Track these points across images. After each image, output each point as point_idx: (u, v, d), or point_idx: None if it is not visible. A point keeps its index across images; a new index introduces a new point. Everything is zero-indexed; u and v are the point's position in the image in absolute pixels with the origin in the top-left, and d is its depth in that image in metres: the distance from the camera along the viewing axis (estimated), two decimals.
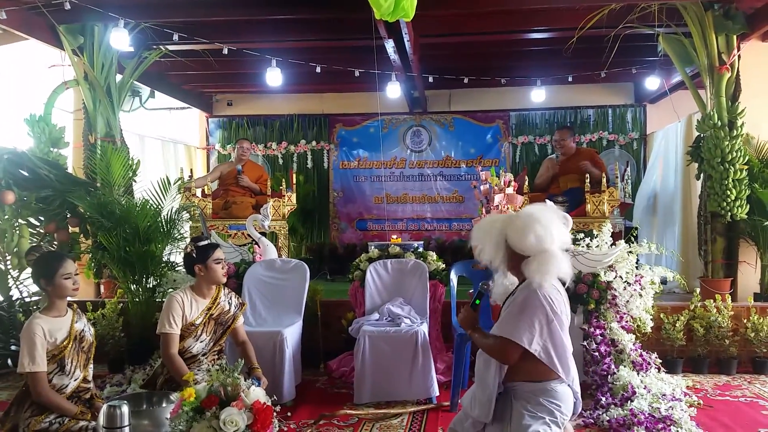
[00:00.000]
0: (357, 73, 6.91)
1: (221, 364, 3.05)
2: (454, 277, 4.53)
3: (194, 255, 3.45)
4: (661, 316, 4.84)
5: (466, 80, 7.53)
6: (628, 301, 4.27)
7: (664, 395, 3.77)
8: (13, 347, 4.89)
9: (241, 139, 7.27)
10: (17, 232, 4.96)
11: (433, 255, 4.97)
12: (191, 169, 7.64)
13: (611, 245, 4.41)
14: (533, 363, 2.38)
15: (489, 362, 2.45)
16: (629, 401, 3.71)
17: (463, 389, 4.18)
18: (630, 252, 4.38)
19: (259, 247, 5.08)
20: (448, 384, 4.32)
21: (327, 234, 8.94)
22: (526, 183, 6.09)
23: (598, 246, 4.41)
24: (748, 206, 5.36)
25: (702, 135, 5.59)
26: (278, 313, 4.53)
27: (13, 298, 5.10)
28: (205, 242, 3.52)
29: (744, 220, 5.38)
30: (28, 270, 4.99)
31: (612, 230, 4.62)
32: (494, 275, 2.64)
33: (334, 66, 6.84)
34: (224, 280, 3.51)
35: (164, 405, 2.84)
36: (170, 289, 4.72)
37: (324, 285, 5.86)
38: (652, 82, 7.35)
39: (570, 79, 7.63)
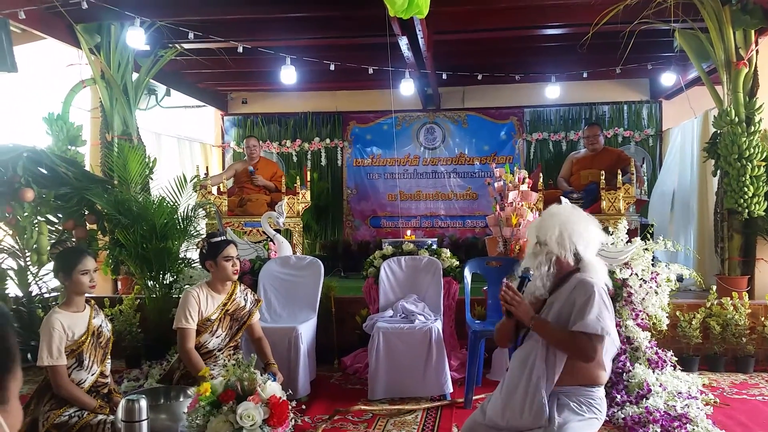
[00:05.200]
0: (371, 71, 6.92)
1: (237, 359, 3.08)
2: (468, 274, 4.53)
3: (205, 251, 3.48)
4: (677, 313, 4.80)
5: (479, 77, 7.51)
6: (643, 299, 4.24)
7: (680, 393, 3.75)
8: (32, 342, 4.95)
9: (247, 137, 7.30)
10: (36, 229, 5.02)
11: (447, 252, 4.97)
12: (207, 167, 7.70)
13: (627, 242, 4.38)
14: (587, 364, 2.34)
15: (537, 369, 2.32)
16: (644, 399, 3.70)
17: (477, 386, 4.19)
18: (646, 249, 4.35)
19: (274, 243, 5.11)
20: (462, 381, 4.32)
21: (341, 231, 8.97)
22: (541, 180, 6.07)
23: (613, 243, 4.38)
24: (766, 203, 5.29)
25: (719, 131, 5.53)
26: (293, 309, 4.56)
27: (33, 294, 5.17)
28: (218, 239, 3.54)
29: (761, 217, 5.32)
30: (48, 266, 5.08)
31: (628, 227, 4.59)
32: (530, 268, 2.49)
33: (348, 63, 6.85)
34: (234, 277, 3.50)
35: (181, 399, 2.87)
36: (186, 285, 4.76)
37: (338, 282, 5.89)
38: (667, 78, 7.29)
39: (585, 75, 7.59)
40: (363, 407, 3.95)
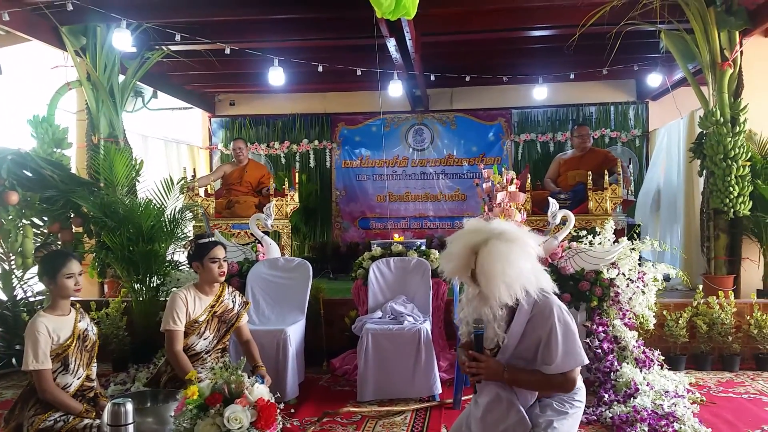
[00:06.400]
0: (359, 72, 6.92)
1: (225, 362, 3.07)
2: None
3: (192, 252, 3.47)
4: (664, 313, 4.83)
5: (467, 78, 7.53)
6: (630, 298, 4.27)
7: (667, 392, 3.77)
8: (17, 346, 4.91)
9: (234, 140, 7.28)
10: (21, 232, 4.98)
11: (435, 253, 4.97)
12: (194, 169, 7.66)
13: (614, 242, 4.41)
14: None
15: (493, 387, 2.29)
16: (632, 398, 3.72)
17: (466, 387, 4.18)
18: (633, 249, 4.39)
19: (262, 246, 5.09)
20: (451, 381, 4.32)
21: (330, 233, 8.96)
22: (529, 180, 6.09)
23: (600, 243, 4.41)
24: (751, 203, 5.35)
25: (704, 131, 5.58)
26: (281, 311, 4.55)
27: (18, 298, 5.12)
28: (206, 240, 3.52)
29: (747, 216, 5.38)
30: (32, 270, 5.03)
31: (614, 227, 4.62)
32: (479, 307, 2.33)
33: (336, 65, 6.85)
34: (220, 279, 3.48)
35: (168, 403, 2.85)
36: (174, 288, 4.73)
37: (327, 283, 5.87)
38: (654, 79, 7.34)
39: (572, 76, 7.63)
40: (352, 409, 3.94)
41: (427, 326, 4.22)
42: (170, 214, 5.12)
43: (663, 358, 4.25)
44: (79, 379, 2.98)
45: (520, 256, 2.21)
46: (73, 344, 2.95)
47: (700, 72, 5.73)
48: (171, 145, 8.62)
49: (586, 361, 2.27)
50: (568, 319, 2.27)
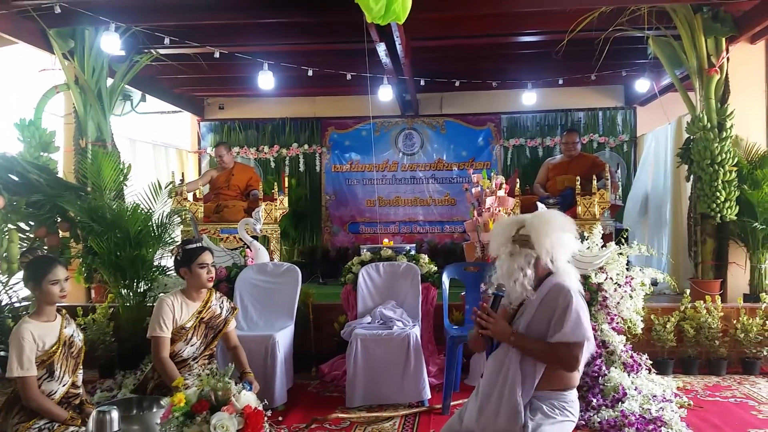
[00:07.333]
0: (349, 77, 6.91)
1: (212, 368, 3.04)
2: (446, 279, 4.54)
3: (179, 258, 3.44)
4: (652, 317, 4.86)
5: (457, 83, 7.55)
6: (618, 303, 4.28)
7: (655, 396, 3.79)
8: (2, 353, 4.85)
9: (216, 146, 7.20)
10: (7, 236, 4.92)
11: (425, 258, 4.98)
12: (183, 173, 7.62)
13: (602, 247, 4.43)
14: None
15: (512, 373, 2.33)
16: (620, 402, 3.73)
17: (455, 392, 4.19)
18: (620, 254, 4.40)
19: (251, 250, 5.07)
20: (440, 387, 4.32)
21: (319, 237, 8.94)
22: (518, 185, 6.11)
23: (588, 248, 4.42)
24: (738, 208, 5.39)
25: (691, 137, 5.62)
26: (270, 316, 4.52)
27: (2, 304, 5.06)
28: (193, 246, 3.50)
29: (733, 221, 5.42)
30: (18, 275, 4.97)
31: (602, 232, 4.63)
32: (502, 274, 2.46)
33: (326, 69, 6.84)
34: (209, 285, 3.47)
35: (155, 410, 2.83)
36: (161, 294, 4.70)
37: (316, 288, 5.86)
38: (642, 85, 7.40)
39: (561, 81, 7.67)
40: (340, 415, 3.93)
41: (416, 331, 4.22)
42: (158, 218, 5.08)
43: (651, 362, 4.27)
44: (64, 386, 2.95)
45: (564, 232, 2.38)
46: (59, 351, 2.93)
47: (687, 78, 5.78)
48: (159, 148, 8.57)
49: (593, 342, 2.35)
50: (583, 303, 2.36)
